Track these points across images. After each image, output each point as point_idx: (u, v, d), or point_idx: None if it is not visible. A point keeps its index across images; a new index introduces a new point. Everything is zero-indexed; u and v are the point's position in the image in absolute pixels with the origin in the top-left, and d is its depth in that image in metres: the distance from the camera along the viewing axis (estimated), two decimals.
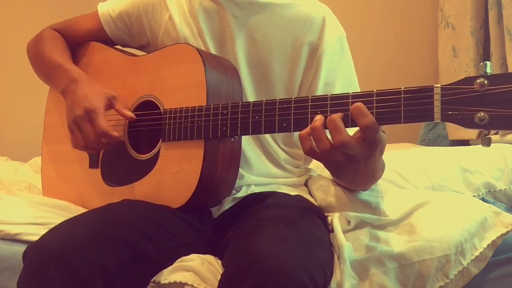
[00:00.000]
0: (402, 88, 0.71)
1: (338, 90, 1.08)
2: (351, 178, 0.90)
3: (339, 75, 1.09)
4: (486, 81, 0.65)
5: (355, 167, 0.80)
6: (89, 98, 1.01)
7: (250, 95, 1.09)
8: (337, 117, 0.75)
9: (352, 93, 0.77)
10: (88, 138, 0.99)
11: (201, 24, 1.10)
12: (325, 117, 0.79)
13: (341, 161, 0.78)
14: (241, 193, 1.05)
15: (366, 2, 2.12)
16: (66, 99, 1.07)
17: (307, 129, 0.78)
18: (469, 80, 0.66)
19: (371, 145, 0.77)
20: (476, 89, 0.66)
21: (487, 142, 0.67)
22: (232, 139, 0.97)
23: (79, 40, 1.24)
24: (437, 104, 0.68)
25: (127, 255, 0.83)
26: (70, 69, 1.11)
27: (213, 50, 1.09)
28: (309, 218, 0.95)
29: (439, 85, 0.69)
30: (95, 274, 0.78)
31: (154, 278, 0.89)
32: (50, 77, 1.16)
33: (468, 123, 0.66)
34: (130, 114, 1.04)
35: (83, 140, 1.01)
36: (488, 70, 0.66)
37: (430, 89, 0.69)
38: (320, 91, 1.07)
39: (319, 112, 0.79)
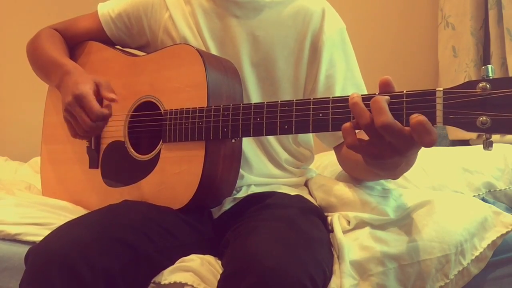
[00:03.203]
0: (404, 91, 0.71)
1: (340, 82, 1.08)
2: (391, 172, 0.83)
3: (341, 67, 1.09)
4: (488, 85, 0.65)
5: (398, 160, 0.75)
6: (77, 84, 1.00)
7: (255, 94, 1.09)
8: (381, 98, 0.70)
9: (355, 95, 0.76)
10: (84, 122, 0.97)
11: (201, 25, 1.10)
12: (327, 120, 0.79)
13: (384, 154, 0.72)
14: (241, 193, 1.05)
15: (366, 2, 2.11)
16: (61, 92, 1.07)
17: (349, 124, 0.73)
18: (471, 84, 0.66)
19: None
20: (478, 93, 0.65)
21: (488, 146, 0.67)
22: (233, 140, 0.97)
23: (78, 40, 1.24)
24: (439, 108, 0.68)
25: (128, 257, 0.83)
26: (65, 63, 1.11)
27: (213, 50, 1.09)
28: (309, 218, 0.95)
29: (441, 89, 0.68)
30: (97, 277, 0.78)
31: (154, 279, 0.89)
32: (46, 72, 1.16)
33: (470, 127, 0.66)
34: (112, 95, 1.00)
35: (79, 126, 0.99)
36: (490, 74, 0.65)
37: (432, 93, 0.69)
38: (322, 83, 1.07)
39: (320, 115, 0.79)
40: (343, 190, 1.06)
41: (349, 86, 1.09)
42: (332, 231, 0.98)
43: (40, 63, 1.18)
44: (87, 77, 1.03)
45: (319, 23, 1.08)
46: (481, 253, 0.94)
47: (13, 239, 0.99)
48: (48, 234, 0.84)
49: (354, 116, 0.73)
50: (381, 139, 0.71)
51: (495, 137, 0.68)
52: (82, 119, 0.97)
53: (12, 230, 0.99)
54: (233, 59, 1.06)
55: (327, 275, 0.85)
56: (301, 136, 1.15)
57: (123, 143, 1.08)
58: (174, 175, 0.98)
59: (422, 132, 0.66)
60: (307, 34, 1.08)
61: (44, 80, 1.21)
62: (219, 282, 0.80)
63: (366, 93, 1.10)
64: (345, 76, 1.09)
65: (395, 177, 0.89)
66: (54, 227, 0.92)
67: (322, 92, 1.08)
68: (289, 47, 1.08)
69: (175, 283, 0.87)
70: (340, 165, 1.12)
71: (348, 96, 0.75)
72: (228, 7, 1.08)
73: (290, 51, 1.08)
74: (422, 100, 0.69)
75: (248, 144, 1.08)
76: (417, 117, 0.67)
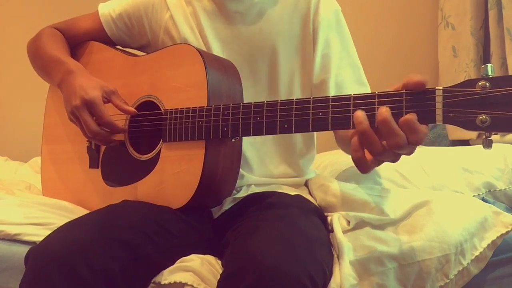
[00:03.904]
0: (404, 90, 0.71)
1: (335, 61, 1.10)
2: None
3: (336, 47, 1.11)
4: (487, 84, 0.65)
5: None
6: (85, 88, 1.01)
7: (267, 89, 1.09)
8: (388, 115, 0.70)
9: (354, 94, 0.77)
10: (91, 128, 0.99)
11: (203, 25, 1.10)
12: (327, 119, 0.79)
13: (392, 159, 0.75)
14: (241, 193, 1.05)
15: (366, 2, 2.12)
16: (62, 91, 1.07)
17: (355, 137, 0.74)
18: (471, 83, 0.66)
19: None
20: (478, 91, 0.66)
21: (488, 144, 0.67)
22: (233, 140, 0.97)
23: (79, 40, 1.24)
24: (439, 106, 0.68)
25: (128, 258, 0.84)
26: (67, 61, 1.11)
27: (217, 50, 1.09)
28: (309, 218, 0.95)
29: (440, 88, 0.69)
30: (97, 278, 0.78)
31: (154, 279, 0.89)
32: (47, 71, 1.16)
33: (469, 126, 0.66)
34: (131, 108, 1.04)
35: (84, 130, 1.01)
36: (490, 73, 0.66)
37: (432, 92, 0.69)
38: (318, 63, 1.09)
39: (320, 114, 0.80)
40: (342, 190, 1.06)
41: (345, 65, 1.11)
42: (332, 231, 0.99)
43: (41, 62, 1.18)
44: (94, 81, 1.04)
45: (316, 5, 1.10)
46: (481, 253, 0.94)
47: (13, 239, 0.99)
48: (48, 235, 0.84)
49: (364, 143, 0.72)
50: (395, 155, 0.73)
51: (495, 137, 0.68)
52: (89, 125, 0.99)
53: (12, 230, 1.00)
54: (240, 56, 1.07)
55: (327, 275, 0.85)
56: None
57: (123, 142, 1.08)
58: (174, 175, 0.98)
59: (409, 130, 0.69)
60: (309, 17, 1.10)
61: (45, 79, 1.21)
62: (218, 282, 0.80)
63: (362, 71, 1.12)
64: (340, 55, 1.10)
65: None
66: (54, 227, 0.92)
67: (318, 72, 1.09)
68: (295, 35, 1.10)
69: (175, 283, 0.87)
70: (337, 143, 1.14)
71: (347, 95, 0.76)
72: (229, 5, 1.09)
73: (297, 38, 1.10)
74: (422, 99, 0.70)
75: (249, 144, 1.08)
76: (405, 116, 0.69)
